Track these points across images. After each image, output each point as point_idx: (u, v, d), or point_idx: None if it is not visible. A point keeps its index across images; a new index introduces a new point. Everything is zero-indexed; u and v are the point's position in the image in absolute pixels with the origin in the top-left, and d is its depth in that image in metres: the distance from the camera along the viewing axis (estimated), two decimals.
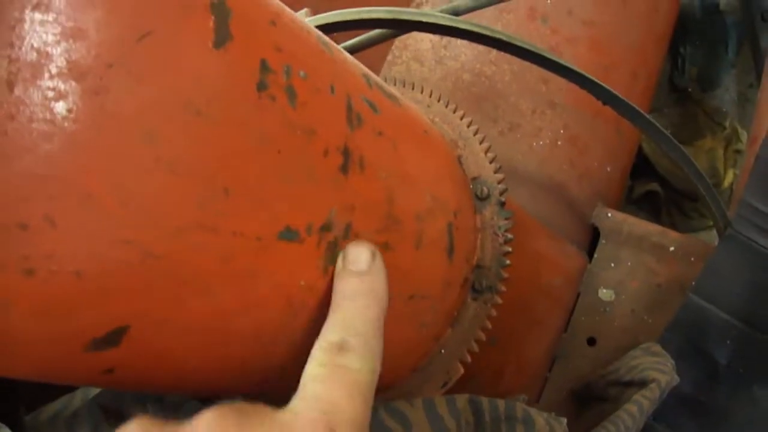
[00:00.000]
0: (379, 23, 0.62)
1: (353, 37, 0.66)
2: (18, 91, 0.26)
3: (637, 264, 0.87)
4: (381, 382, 0.38)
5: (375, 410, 0.47)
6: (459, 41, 0.85)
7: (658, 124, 0.72)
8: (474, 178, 0.53)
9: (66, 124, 0.27)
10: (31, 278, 0.27)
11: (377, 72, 0.79)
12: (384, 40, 0.66)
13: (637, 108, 0.70)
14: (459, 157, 0.53)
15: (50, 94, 0.26)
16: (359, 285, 0.38)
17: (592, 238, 0.90)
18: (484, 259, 0.52)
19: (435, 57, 0.85)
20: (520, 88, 0.83)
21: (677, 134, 1.29)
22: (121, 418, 0.49)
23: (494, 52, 0.82)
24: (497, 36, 0.62)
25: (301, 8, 0.64)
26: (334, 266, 0.39)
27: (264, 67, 0.35)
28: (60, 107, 0.27)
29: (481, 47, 0.71)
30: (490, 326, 0.53)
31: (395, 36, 0.67)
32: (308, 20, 0.60)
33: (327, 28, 0.60)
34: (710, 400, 0.80)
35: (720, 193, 1.18)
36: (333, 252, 0.38)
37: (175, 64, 0.31)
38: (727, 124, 1.30)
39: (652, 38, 0.99)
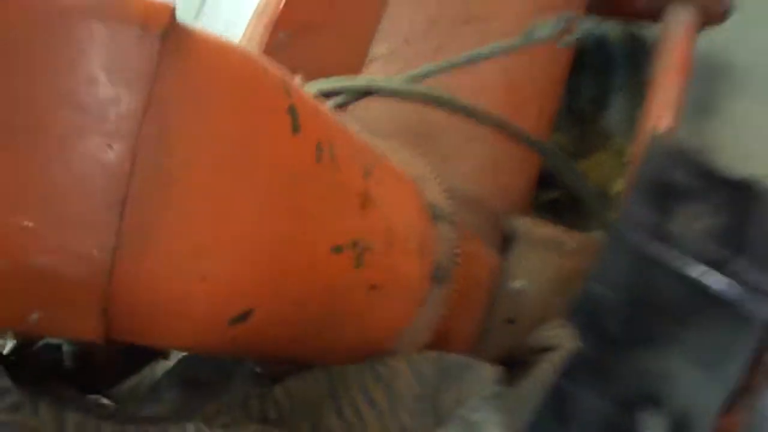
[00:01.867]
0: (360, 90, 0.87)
1: None
2: None
3: (544, 259, 1.14)
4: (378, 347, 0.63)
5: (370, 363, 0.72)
6: None
7: (556, 149, 1.00)
8: (432, 204, 0.79)
9: None
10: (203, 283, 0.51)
11: None
12: None
13: (539, 141, 0.97)
14: (421, 191, 0.79)
15: None
16: None
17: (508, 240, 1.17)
18: (441, 260, 0.78)
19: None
20: (452, 127, 1.08)
21: (576, 149, 1.57)
22: (198, 385, 0.72)
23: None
24: (435, 95, 0.87)
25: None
26: (360, 268, 0.64)
27: (318, 147, 0.60)
28: None
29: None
30: (447, 307, 0.79)
31: None
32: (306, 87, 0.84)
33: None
34: (603, 361, 1.07)
35: (612, 199, 1.46)
36: (360, 260, 0.63)
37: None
38: (616, 139, 1.59)
39: (554, 80, 1.27)
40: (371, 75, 0.89)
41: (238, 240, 0.52)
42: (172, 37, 0.49)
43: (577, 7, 1.26)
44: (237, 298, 0.53)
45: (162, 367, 0.75)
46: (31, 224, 0.43)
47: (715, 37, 1.65)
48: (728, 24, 1.59)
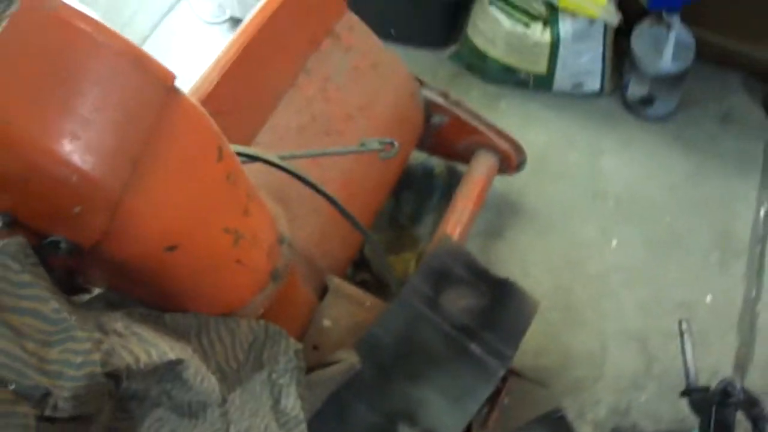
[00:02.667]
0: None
1: None
2: None
3: (347, 309, 1.69)
4: (230, 307, 1.15)
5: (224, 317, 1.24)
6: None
7: (373, 237, 1.57)
8: (281, 231, 1.33)
9: None
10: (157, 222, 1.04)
11: None
12: None
13: (366, 230, 1.54)
14: (277, 221, 1.33)
15: None
16: None
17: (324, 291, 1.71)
18: (279, 267, 1.32)
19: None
20: (302, 198, 1.63)
21: (389, 247, 2.16)
22: (115, 304, 1.22)
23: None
24: (294, 170, 1.43)
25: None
26: (235, 247, 1.17)
27: (228, 173, 1.14)
28: None
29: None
30: (275, 301, 1.32)
31: None
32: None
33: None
34: (376, 383, 1.62)
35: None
36: (236, 242, 1.16)
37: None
38: (421, 246, 2.18)
39: (384, 183, 1.87)
40: (261, 148, 1.44)
41: (179, 207, 1.05)
42: (173, 91, 1.03)
43: (402, 139, 1.85)
44: (172, 236, 1.06)
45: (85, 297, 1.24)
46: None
47: (513, 182, 2.32)
48: (524, 174, 2.26)
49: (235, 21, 3.09)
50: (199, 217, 1.10)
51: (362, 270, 2.02)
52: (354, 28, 1.87)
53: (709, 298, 2.20)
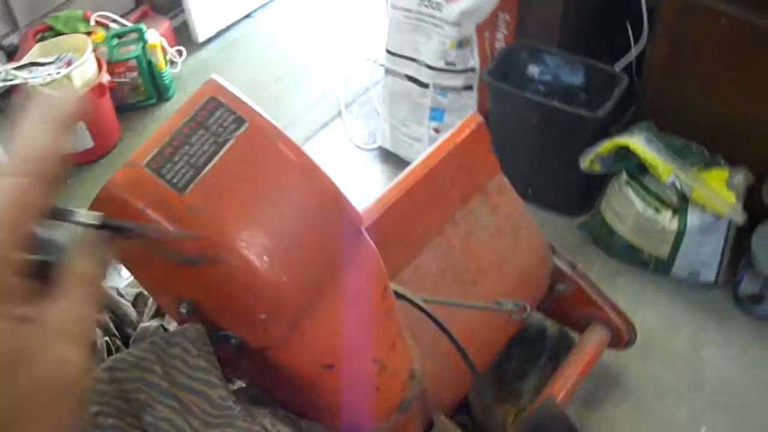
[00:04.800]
0: None
1: None
2: None
3: None
4: (358, 428, 1.29)
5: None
6: None
7: (487, 387, 1.69)
8: (414, 368, 1.46)
9: None
10: None
11: None
12: None
13: (482, 379, 1.66)
14: (413, 357, 1.47)
15: None
16: None
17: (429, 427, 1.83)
18: (406, 400, 1.45)
19: None
20: (427, 338, 1.77)
21: (493, 397, 2.27)
22: None
23: None
24: (433, 315, 1.57)
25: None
26: (379, 376, 1.30)
27: (387, 310, 1.29)
28: None
29: None
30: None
31: None
32: None
33: None
34: None
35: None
36: (381, 373, 1.30)
37: None
38: (522, 401, 2.28)
39: (502, 338, 2.01)
40: (401, 285, 1.59)
41: (345, 333, 1.21)
42: (360, 232, 1.21)
43: (527, 300, 1.99)
44: (332, 357, 1.22)
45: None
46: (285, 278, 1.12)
47: (617, 356, 2.43)
48: (629, 351, 2.36)
49: (383, 151, 3.30)
50: (358, 345, 1.25)
51: (463, 413, 2.13)
52: (503, 190, 2.03)
53: None
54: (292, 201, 1.16)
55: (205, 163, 1.14)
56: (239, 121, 1.19)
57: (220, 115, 1.19)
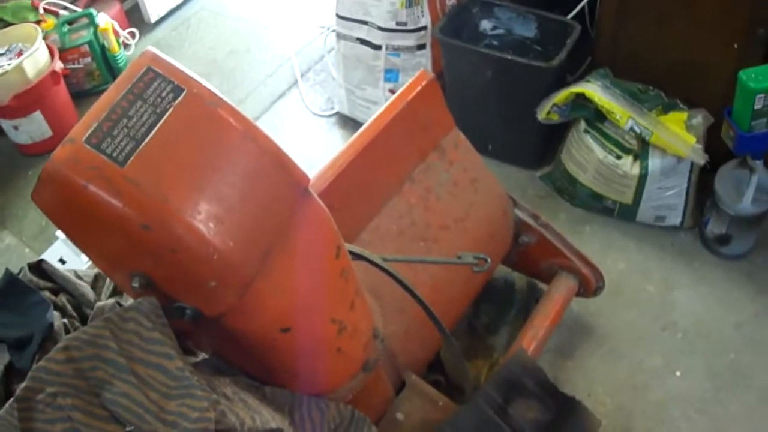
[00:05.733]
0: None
1: None
2: None
3: (421, 405, 1.80)
4: (323, 389, 1.29)
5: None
6: None
7: (456, 344, 1.69)
8: (376, 327, 1.46)
9: None
10: None
11: None
12: None
13: (449, 334, 1.66)
14: (375, 316, 1.46)
15: None
16: None
17: (401, 386, 1.83)
18: (370, 359, 1.44)
19: None
20: (391, 297, 1.76)
21: (465, 353, 2.27)
22: None
23: None
24: (392, 272, 1.57)
25: None
26: (339, 336, 1.30)
27: (342, 270, 1.28)
28: None
29: None
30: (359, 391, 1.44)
31: None
32: None
33: None
34: None
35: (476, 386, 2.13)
36: (340, 333, 1.30)
37: None
38: (495, 355, 2.29)
39: (468, 293, 2.00)
40: (360, 248, 1.58)
41: (298, 296, 1.21)
42: (307, 192, 1.20)
43: (491, 254, 1.99)
44: (288, 319, 1.21)
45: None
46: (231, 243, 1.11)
47: (587, 304, 2.43)
48: (599, 298, 2.37)
49: (341, 117, 3.29)
50: (314, 306, 1.25)
51: (436, 371, 2.13)
52: (459, 145, 2.03)
53: None
54: (235, 166, 1.15)
55: (145, 135, 1.13)
56: (177, 90, 1.18)
57: (157, 86, 1.18)
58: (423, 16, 2.84)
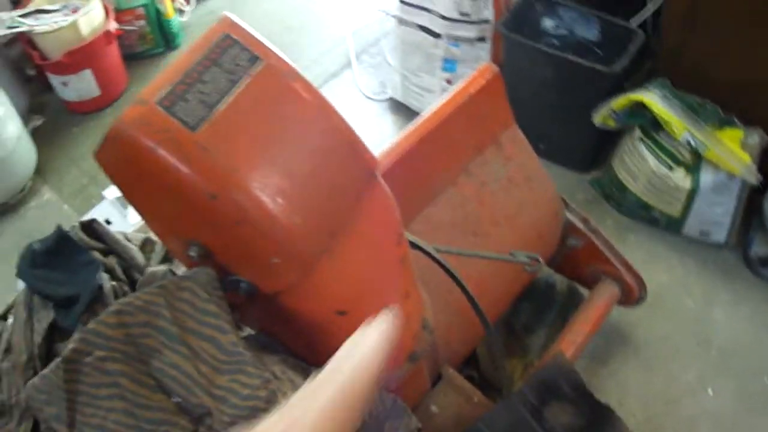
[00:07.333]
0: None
1: None
2: None
3: (456, 400, 1.78)
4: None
5: None
6: None
7: (499, 340, 1.66)
8: (425, 318, 1.43)
9: None
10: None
11: None
12: None
13: (493, 330, 1.63)
14: (424, 307, 1.44)
15: None
16: None
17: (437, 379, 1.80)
18: (417, 351, 1.42)
19: None
20: (440, 289, 1.73)
21: (504, 351, 2.25)
22: None
23: None
24: (444, 263, 1.54)
25: None
26: None
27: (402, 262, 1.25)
28: None
29: None
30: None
31: None
32: None
33: None
34: None
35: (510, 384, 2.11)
36: None
37: None
38: (529, 356, 2.26)
39: (512, 291, 1.97)
40: (414, 235, 1.55)
41: (359, 280, 1.18)
42: (375, 176, 1.17)
43: (544, 255, 1.96)
44: (345, 303, 1.18)
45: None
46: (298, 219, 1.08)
47: (627, 314, 2.40)
48: (638, 308, 2.33)
49: (393, 102, 3.25)
50: (372, 291, 1.22)
51: (470, 367, 2.10)
52: (517, 142, 1.99)
53: None
54: (307, 142, 1.12)
55: (218, 102, 1.10)
56: (254, 60, 1.15)
57: (234, 53, 1.15)
58: (486, 8, 2.80)
